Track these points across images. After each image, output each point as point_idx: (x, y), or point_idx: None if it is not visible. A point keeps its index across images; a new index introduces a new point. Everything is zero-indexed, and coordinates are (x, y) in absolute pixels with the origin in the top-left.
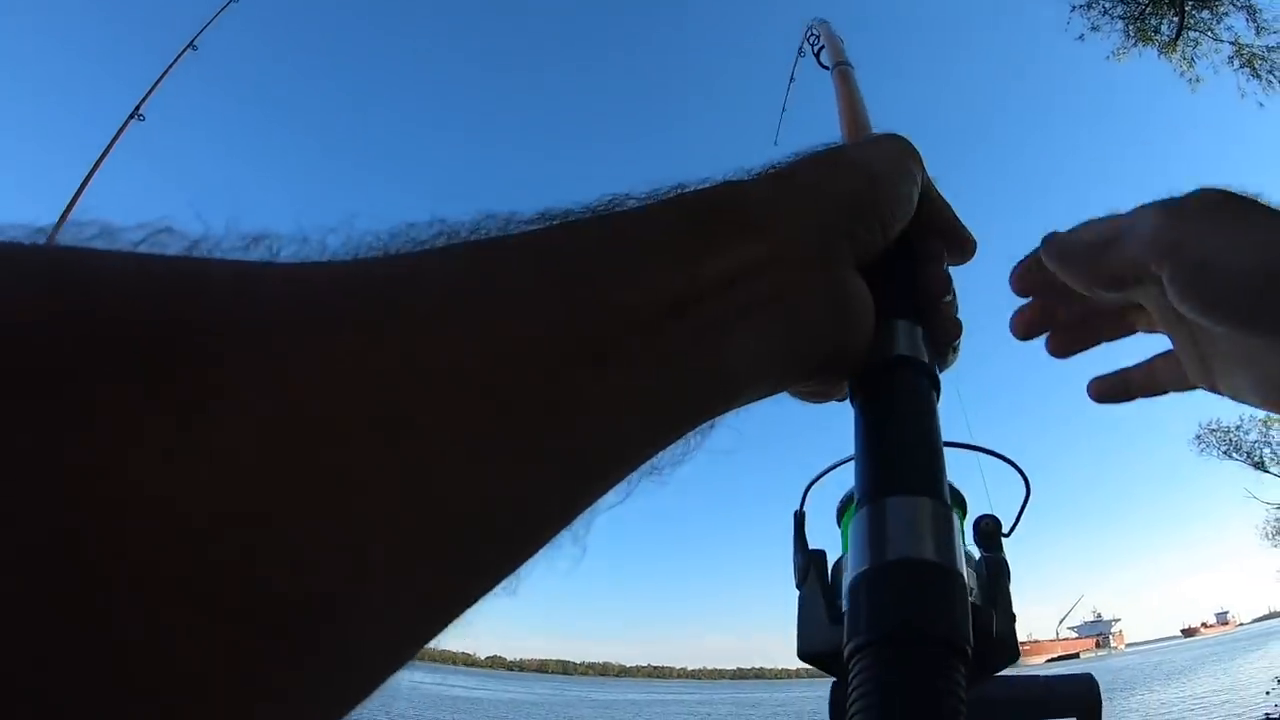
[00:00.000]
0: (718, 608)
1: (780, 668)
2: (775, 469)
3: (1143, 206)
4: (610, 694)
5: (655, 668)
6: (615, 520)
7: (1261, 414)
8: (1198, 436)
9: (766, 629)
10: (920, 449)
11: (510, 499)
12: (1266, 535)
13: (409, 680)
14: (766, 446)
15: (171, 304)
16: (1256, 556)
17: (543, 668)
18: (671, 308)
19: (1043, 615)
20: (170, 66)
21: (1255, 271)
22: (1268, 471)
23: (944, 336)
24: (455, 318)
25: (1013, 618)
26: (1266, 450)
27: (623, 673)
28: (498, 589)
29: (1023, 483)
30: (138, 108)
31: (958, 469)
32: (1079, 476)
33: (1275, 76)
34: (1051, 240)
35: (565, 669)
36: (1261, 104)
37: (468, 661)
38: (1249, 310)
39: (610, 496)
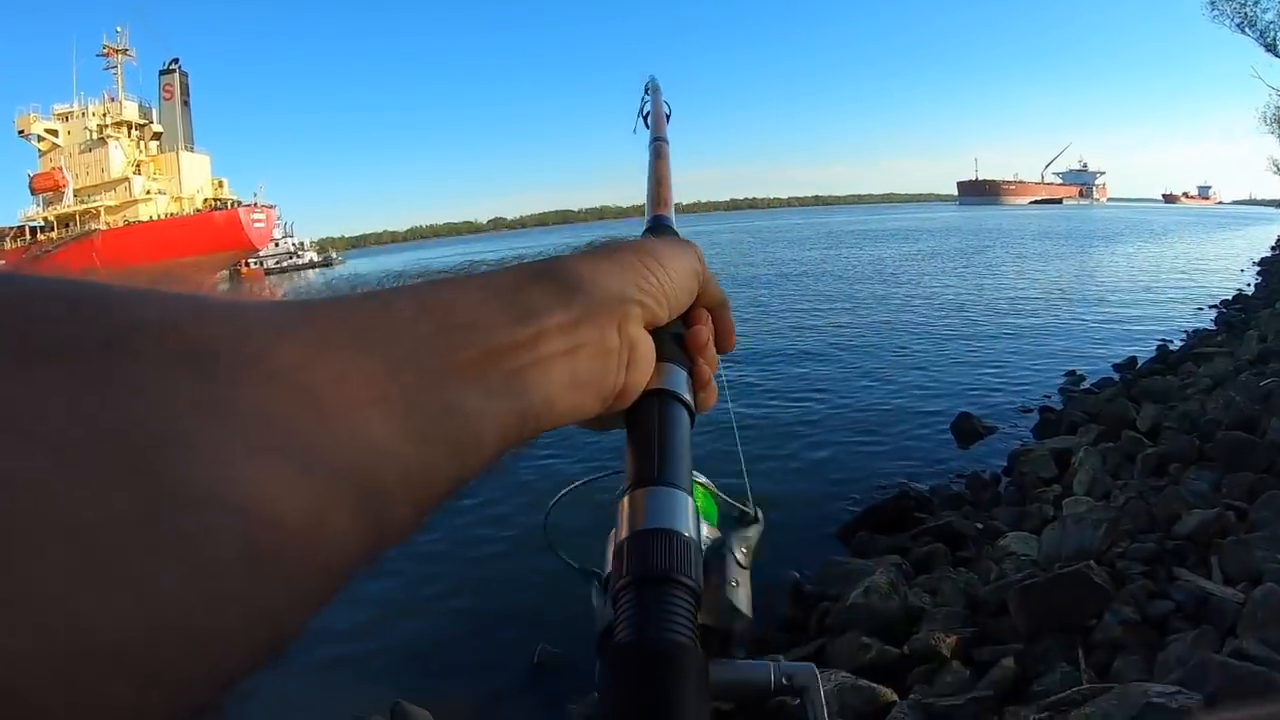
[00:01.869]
0: (707, 143)
1: (772, 196)
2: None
3: None
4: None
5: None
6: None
7: None
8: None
9: (748, 160)
10: (666, 452)
11: (420, 468)
12: (1264, 121)
13: (417, 258)
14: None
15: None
16: (1246, 140)
17: (543, 220)
18: (506, 349)
19: (1029, 161)
20: None
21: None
22: (1278, 55)
23: (698, 381)
24: (367, 345)
25: (740, 607)
26: None
27: (620, 214)
28: (404, 540)
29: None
30: None
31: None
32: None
33: None
34: None
35: (564, 218)
36: None
37: (471, 229)
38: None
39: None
